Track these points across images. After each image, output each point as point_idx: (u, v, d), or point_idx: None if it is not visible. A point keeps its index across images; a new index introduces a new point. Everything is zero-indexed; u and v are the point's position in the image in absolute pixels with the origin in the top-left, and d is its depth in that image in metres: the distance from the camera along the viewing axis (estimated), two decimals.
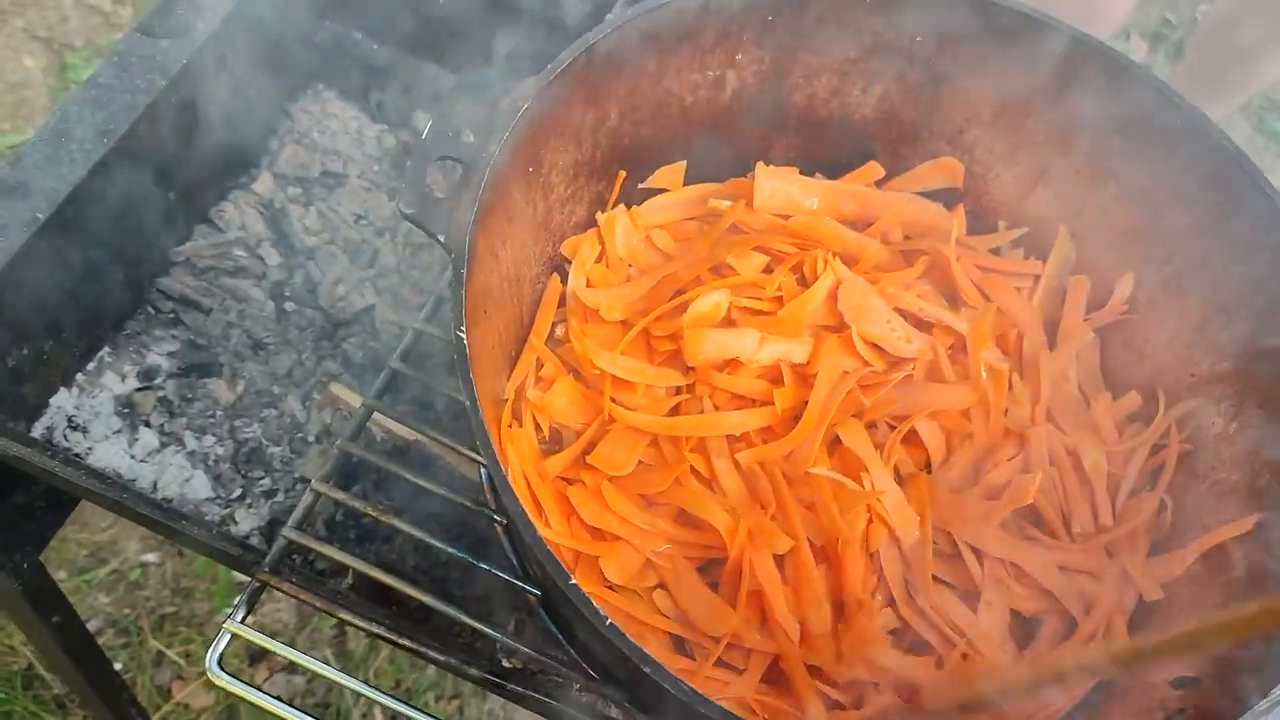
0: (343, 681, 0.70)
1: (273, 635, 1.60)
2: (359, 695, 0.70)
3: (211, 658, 0.67)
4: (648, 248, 0.87)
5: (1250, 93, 1.98)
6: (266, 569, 0.71)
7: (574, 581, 0.57)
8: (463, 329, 0.62)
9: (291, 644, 1.61)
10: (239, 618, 0.69)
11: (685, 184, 0.90)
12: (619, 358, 0.80)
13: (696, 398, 0.81)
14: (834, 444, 0.81)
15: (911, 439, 0.81)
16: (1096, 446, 0.81)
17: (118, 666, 1.53)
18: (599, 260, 0.86)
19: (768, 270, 0.85)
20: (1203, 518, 0.78)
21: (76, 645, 1.10)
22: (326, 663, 1.58)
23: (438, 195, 0.67)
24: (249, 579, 0.72)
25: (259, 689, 0.69)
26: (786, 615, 0.72)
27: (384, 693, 0.70)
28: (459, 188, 0.68)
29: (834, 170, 0.91)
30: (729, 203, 0.87)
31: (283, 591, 0.71)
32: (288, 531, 0.72)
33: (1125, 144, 0.83)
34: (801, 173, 0.90)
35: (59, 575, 1.60)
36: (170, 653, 1.58)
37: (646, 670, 0.56)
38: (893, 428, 0.81)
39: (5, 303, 0.81)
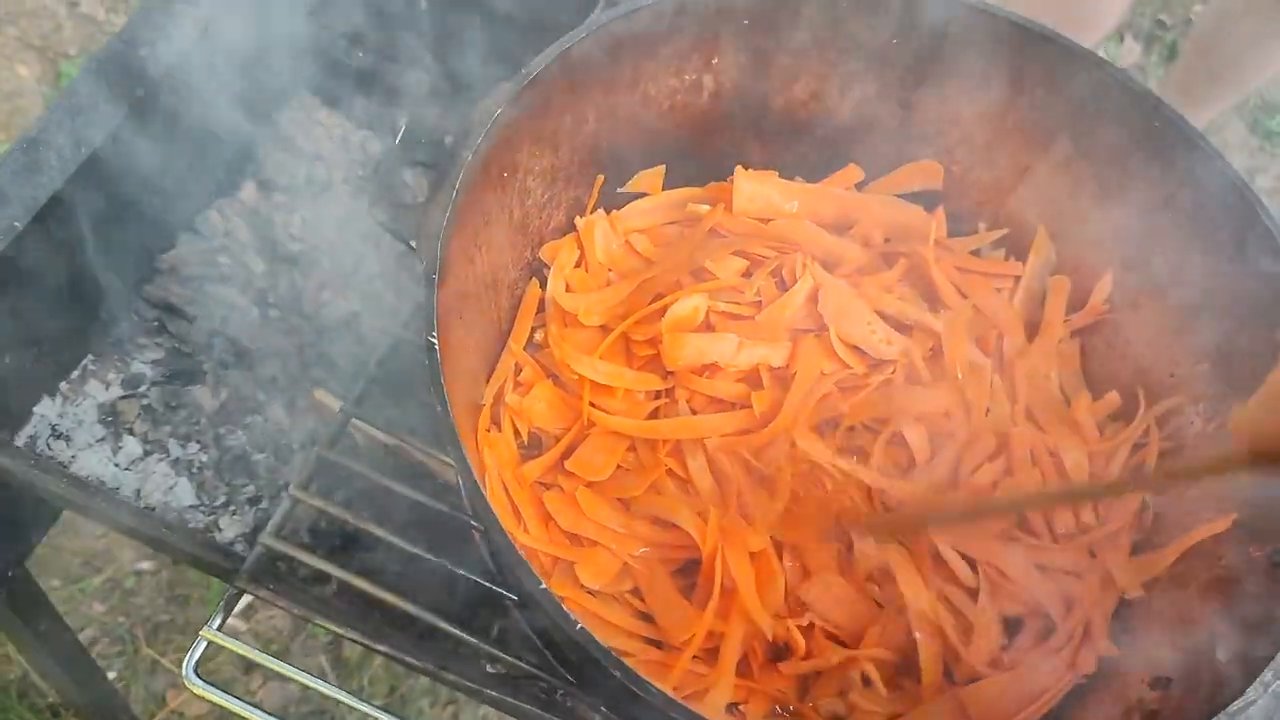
0: (319, 687, 0.70)
1: (267, 642, 1.61)
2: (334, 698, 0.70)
3: (188, 665, 0.68)
4: (627, 252, 0.87)
5: (1245, 93, 1.98)
6: (245, 576, 0.71)
7: (544, 586, 0.57)
8: (434, 334, 0.62)
9: (285, 651, 1.62)
10: (216, 624, 0.69)
11: (664, 188, 0.90)
12: (598, 362, 0.80)
13: (675, 401, 0.81)
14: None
15: (894, 439, 0.81)
16: (1078, 446, 0.81)
17: (112, 675, 1.53)
18: (578, 265, 0.86)
19: (746, 274, 0.85)
20: (1183, 517, 0.78)
21: (65, 653, 1.10)
22: (322, 669, 1.59)
23: (414, 201, 0.68)
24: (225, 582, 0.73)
25: (239, 697, 0.69)
26: (760, 612, 0.72)
27: (370, 703, 0.70)
28: (433, 193, 0.68)
29: (813, 173, 0.91)
30: (708, 207, 0.87)
31: (260, 598, 0.71)
32: (265, 538, 0.72)
33: (1105, 145, 0.83)
34: (781, 176, 0.90)
35: (53, 584, 1.60)
36: (164, 661, 1.58)
37: (617, 674, 0.56)
38: (873, 431, 0.81)
39: None
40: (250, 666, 1.60)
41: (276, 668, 0.69)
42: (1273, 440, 0.56)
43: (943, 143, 0.89)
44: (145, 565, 1.68)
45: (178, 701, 1.57)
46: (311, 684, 0.69)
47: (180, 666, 1.57)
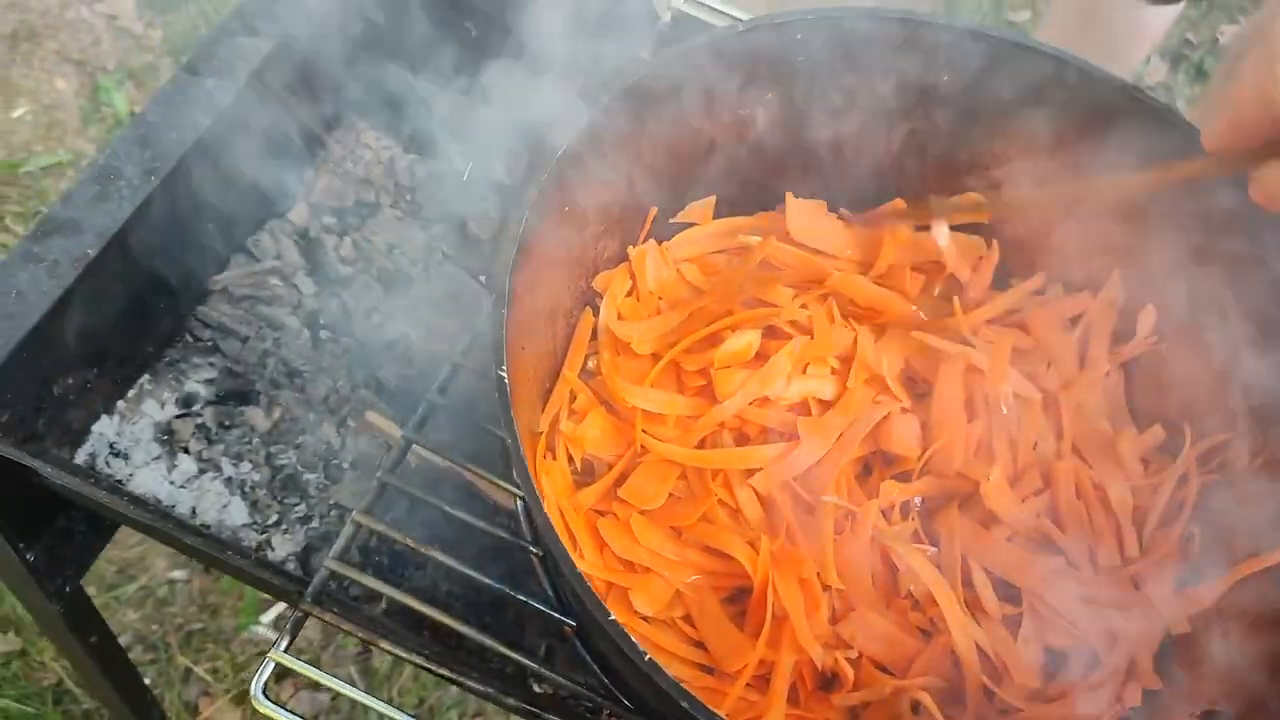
0: (374, 705, 0.72)
1: (298, 652, 1.63)
2: (383, 715, 0.72)
3: (256, 685, 0.69)
4: (677, 281, 0.88)
5: None
6: (309, 600, 0.73)
7: (613, 617, 0.59)
8: (504, 369, 0.64)
9: (316, 661, 1.64)
10: (283, 646, 0.71)
11: (714, 218, 0.92)
12: (649, 391, 0.81)
13: (726, 429, 0.82)
14: (861, 476, 0.82)
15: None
16: (1122, 480, 0.82)
17: (146, 683, 1.55)
18: (630, 294, 0.87)
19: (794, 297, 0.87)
20: (1230, 551, 0.78)
21: (112, 664, 1.12)
22: (351, 679, 1.60)
23: (479, 237, 0.69)
24: (285, 603, 0.74)
25: (297, 715, 0.71)
26: (811, 641, 0.74)
27: (408, 713, 0.72)
28: (499, 229, 0.70)
29: (860, 204, 0.93)
30: (758, 237, 0.89)
31: (325, 621, 0.72)
32: (330, 562, 0.74)
33: None
34: (829, 207, 0.91)
35: (89, 592, 1.62)
36: (198, 669, 1.60)
37: (684, 705, 0.57)
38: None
39: (56, 335, 0.83)
40: (282, 675, 1.62)
41: (341, 689, 0.70)
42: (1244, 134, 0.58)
43: (989, 176, 0.91)
44: (178, 574, 1.70)
45: (210, 709, 1.59)
46: (372, 704, 0.70)
47: (213, 675, 1.61)
